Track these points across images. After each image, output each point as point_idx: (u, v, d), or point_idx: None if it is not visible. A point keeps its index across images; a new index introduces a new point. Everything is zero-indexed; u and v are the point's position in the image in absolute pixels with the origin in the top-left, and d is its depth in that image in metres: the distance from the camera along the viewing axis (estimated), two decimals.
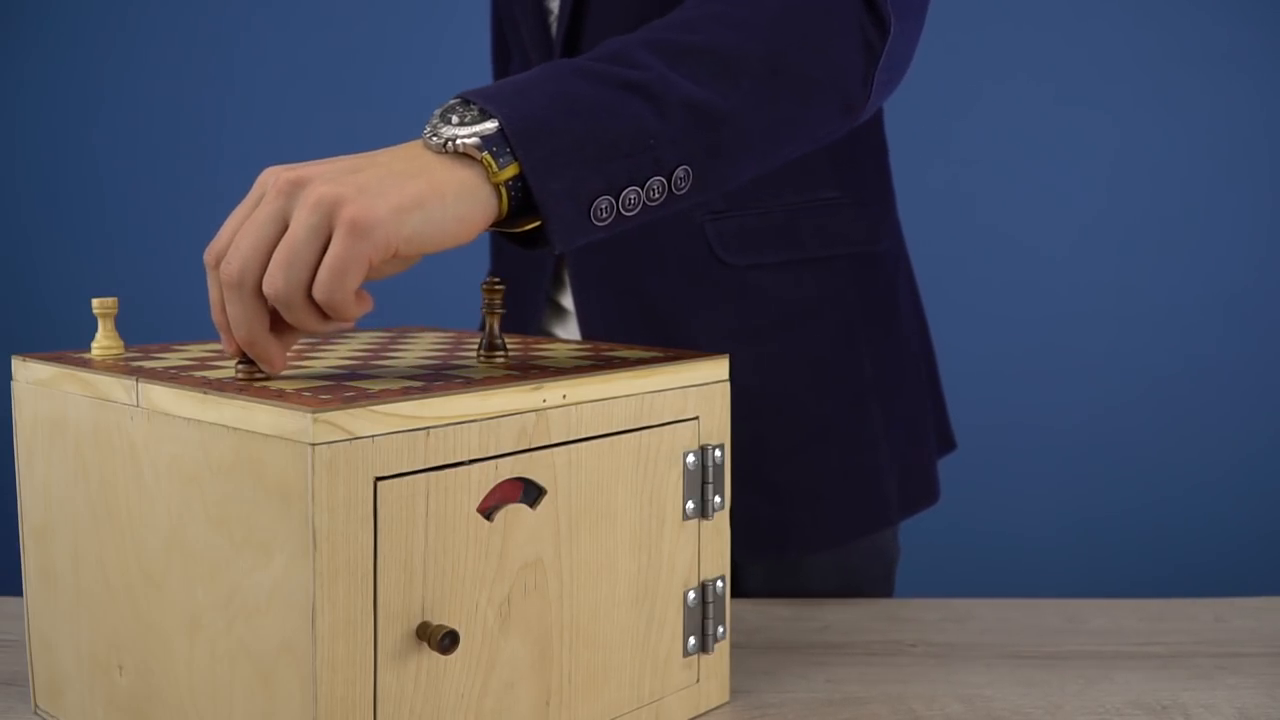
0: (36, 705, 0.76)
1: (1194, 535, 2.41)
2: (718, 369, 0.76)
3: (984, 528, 2.41)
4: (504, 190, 0.62)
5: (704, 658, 0.77)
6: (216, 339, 0.86)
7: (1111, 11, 2.37)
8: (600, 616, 0.70)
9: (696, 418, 0.75)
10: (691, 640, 0.76)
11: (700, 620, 0.76)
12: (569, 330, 1.05)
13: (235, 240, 0.60)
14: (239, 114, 2.45)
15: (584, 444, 0.68)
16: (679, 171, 0.67)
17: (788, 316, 0.98)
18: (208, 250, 0.61)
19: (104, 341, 0.74)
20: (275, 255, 0.58)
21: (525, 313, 1.05)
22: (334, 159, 0.61)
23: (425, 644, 0.61)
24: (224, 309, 0.61)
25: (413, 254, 0.60)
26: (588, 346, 0.83)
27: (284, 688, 0.58)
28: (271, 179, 0.60)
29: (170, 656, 0.65)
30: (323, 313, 0.60)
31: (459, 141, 0.61)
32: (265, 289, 0.59)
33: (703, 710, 0.77)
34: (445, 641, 0.60)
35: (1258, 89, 2.37)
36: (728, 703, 0.79)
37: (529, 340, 0.87)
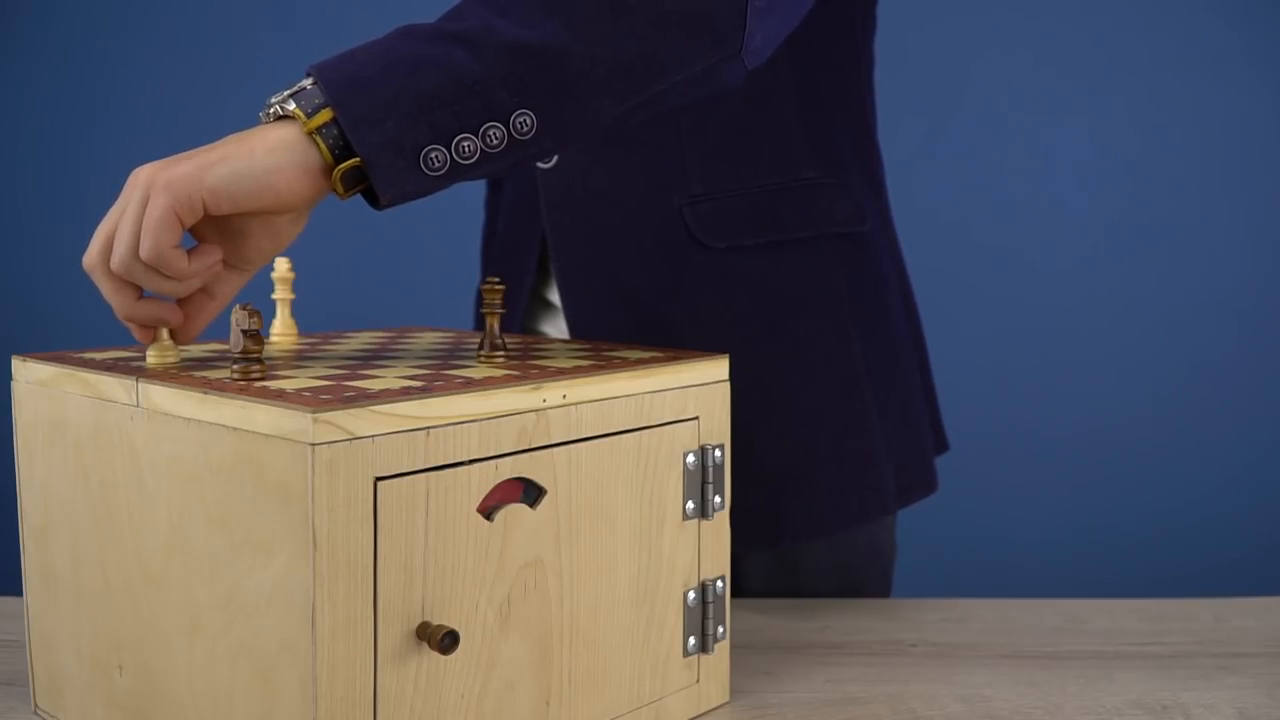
0: (36, 705, 0.76)
1: (1194, 536, 2.41)
2: (718, 369, 0.76)
3: (985, 529, 2.41)
4: (319, 139, 0.65)
5: (704, 658, 0.77)
6: (216, 339, 0.86)
7: (1120, 14, 2.37)
8: (600, 616, 0.70)
9: (696, 418, 0.75)
10: (691, 640, 0.76)
11: (700, 620, 0.76)
12: (557, 326, 1.05)
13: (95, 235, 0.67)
14: (238, 115, 2.45)
15: (584, 444, 0.68)
16: (520, 116, 0.68)
17: (772, 300, 0.97)
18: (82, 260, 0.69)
19: (158, 350, 0.70)
20: (112, 237, 0.66)
21: (512, 309, 1.05)
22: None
23: (425, 644, 0.61)
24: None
25: (227, 206, 0.65)
26: (588, 346, 0.83)
27: (284, 688, 0.58)
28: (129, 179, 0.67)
29: (170, 656, 0.65)
30: (160, 272, 0.66)
31: (274, 105, 0.67)
32: (110, 266, 0.66)
33: (703, 710, 0.77)
34: (445, 641, 0.60)
35: (1266, 94, 2.37)
36: (728, 703, 0.79)
37: (529, 340, 0.87)
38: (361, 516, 0.58)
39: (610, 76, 0.70)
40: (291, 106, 0.66)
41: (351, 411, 0.57)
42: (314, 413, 0.56)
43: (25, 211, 2.49)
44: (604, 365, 0.72)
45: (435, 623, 0.61)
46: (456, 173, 0.68)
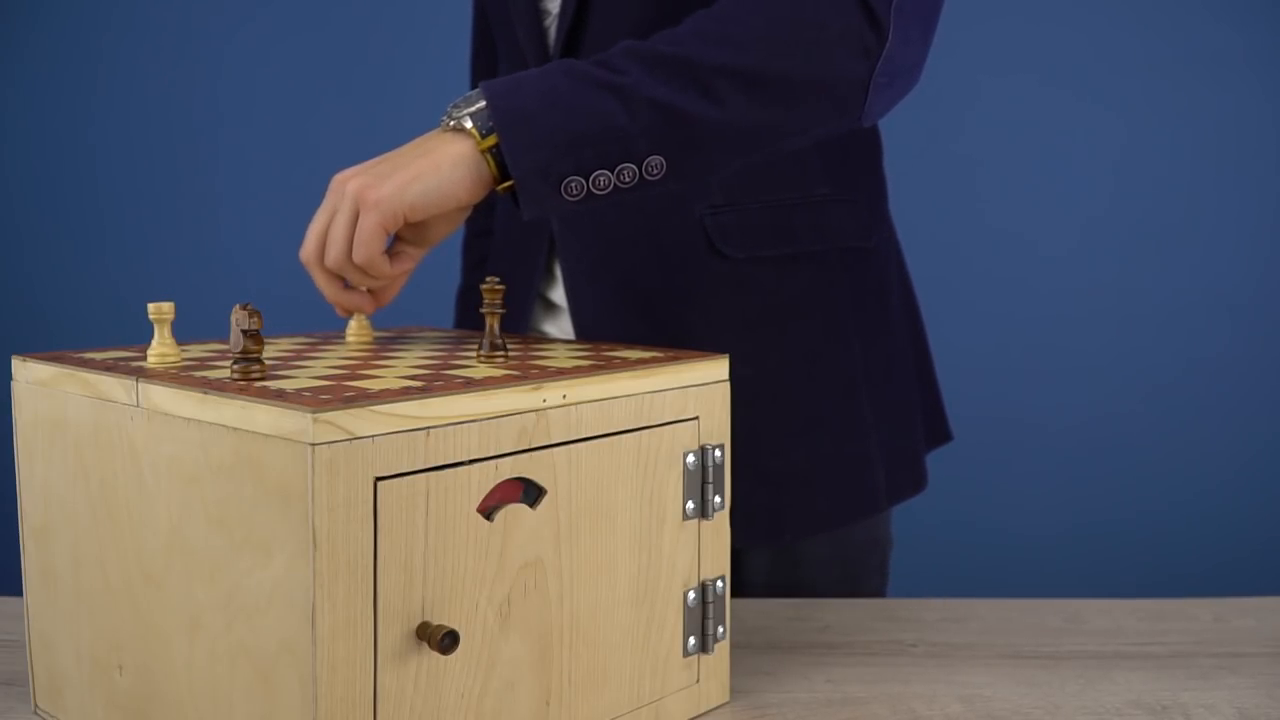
0: (36, 705, 0.76)
1: (1194, 535, 2.41)
2: (718, 369, 0.76)
3: (984, 528, 2.41)
4: (489, 157, 0.78)
5: (704, 658, 0.77)
6: (216, 339, 0.87)
7: (1117, 11, 2.37)
8: (600, 616, 0.70)
9: (696, 418, 0.75)
10: (691, 640, 0.76)
11: (700, 620, 0.76)
12: (560, 325, 1.06)
13: (306, 234, 0.81)
14: (236, 114, 2.45)
15: (584, 444, 0.68)
16: (651, 159, 0.79)
17: (781, 309, 1.00)
18: (299, 252, 0.82)
19: (160, 349, 0.71)
20: (326, 239, 0.80)
21: (515, 308, 1.06)
22: (376, 158, 0.80)
23: (425, 644, 0.61)
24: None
25: (421, 216, 0.78)
26: (588, 347, 0.83)
27: (284, 688, 0.58)
28: (332, 182, 0.80)
29: (170, 656, 0.65)
30: (368, 273, 0.80)
31: (456, 119, 0.79)
32: (326, 264, 0.80)
33: (703, 710, 0.77)
34: (445, 641, 0.60)
35: (1263, 91, 2.37)
36: (728, 703, 0.79)
37: (529, 340, 0.87)
38: (361, 516, 0.58)
39: (739, 139, 0.82)
40: (469, 125, 0.78)
41: (351, 411, 0.57)
42: (314, 413, 0.56)
43: (25, 212, 2.49)
44: (604, 365, 0.72)
45: (435, 623, 0.61)
46: (590, 200, 0.80)
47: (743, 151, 0.83)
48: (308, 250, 0.81)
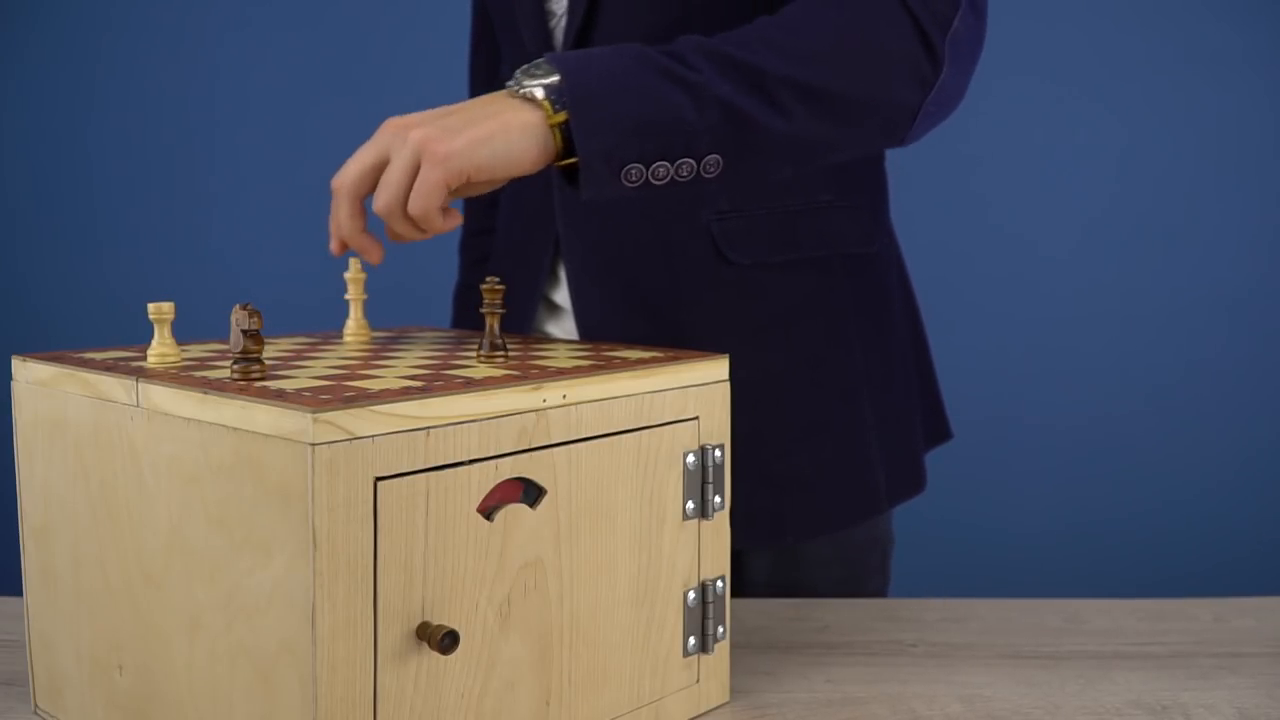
0: (36, 705, 0.76)
1: (1194, 535, 2.41)
2: (718, 369, 0.76)
3: (985, 527, 2.41)
4: (558, 132, 0.78)
5: (704, 658, 0.77)
6: (216, 339, 0.87)
7: (1119, 11, 2.37)
8: (600, 616, 0.70)
9: (696, 418, 0.75)
10: (691, 640, 0.76)
11: (700, 620, 0.76)
12: (563, 327, 1.06)
13: (346, 164, 0.79)
14: (236, 115, 2.45)
15: (584, 444, 0.68)
16: (710, 158, 0.80)
17: (785, 314, 1.01)
18: (333, 179, 0.80)
19: (160, 349, 0.71)
20: (381, 181, 0.77)
21: (519, 310, 1.06)
22: (436, 109, 0.78)
23: (425, 644, 0.61)
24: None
25: (485, 178, 0.77)
26: (588, 347, 0.83)
27: (284, 688, 0.58)
28: (386, 124, 0.78)
29: (170, 656, 0.65)
30: (417, 225, 0.78)
31: (527, 88, 0.78)
32: (375, 206, 0.77)
33: (703, 710, 0.77)
34: (445, 641, 0.60)
35: (1264, 91, 2.37)
36: (728, 703, 0.79)
37: (529, 340, 0.87)
38: (361, 516, 0.58)
39: (795, 148, 0.83)
40: (540, 96, 0.77)
41: (351, 411, 0.57)
42: (314, 413, 0.56)
43: (25, 212, 2.49)
44: (604, 365, 0.72)
45: (435, 623, 0.61)
46: (646, 188, 0.80)
47: (794, 162, 0.84)
48: (346, 180, 0.79)
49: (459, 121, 0.77)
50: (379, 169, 0.78)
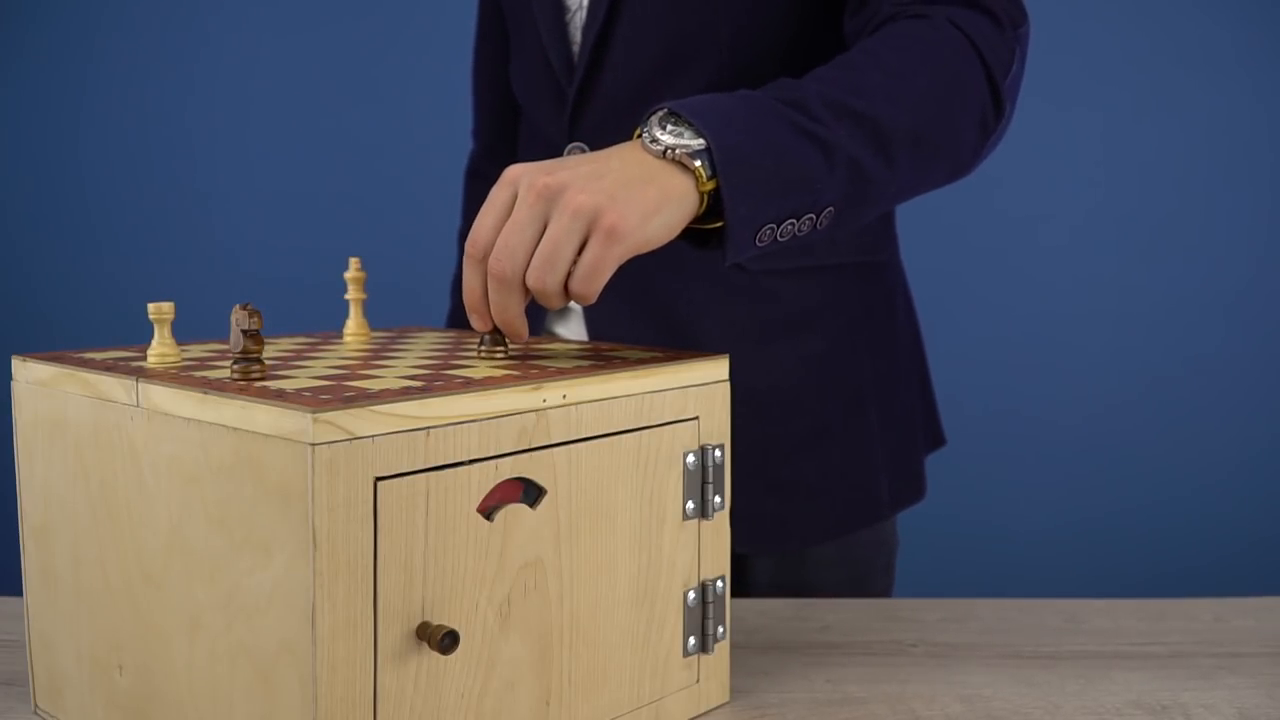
0: (36, 705, 0.76)
1: (1194, 535, 2.41)
2: (718, 369, 0.76)
3: (984, 527, 2.41)
4: (705, 199, 0.72)
5: (704, 658, 0.77)
6: (216, 339, 0.86)
7: (1111, 10, 2.37)
8: (600, 616, 0.70)
9: (696, 418, 0.75)
10: (691, 640, 0.76)
11: (700, 620, 0.76)
12: (571, 329, 1.07)
13: (502, 239, 0.68)
14: (236, 114, 2.45)
15: (584, 444, 0.68)
16: (827, 211, 0.77)
17: (794, 321, 1.02)
18: (470, 242, 0.70)
19: (160, 349, 0.71)
20: (539, 255, 0.67)
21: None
22: (572, 162, 0.70)
23: (425, 644, 0.61)
24: (483, 295, 0.70)
25: (645, 251, 0.70)
26: (588, 346, 0.83)
27: (284, 688, 0.58)
28: (525, 183, 0.69)
29: (170, 656, 0.65)
30: (550, 302, 0.70)
31: (678, 152, 0.71)
32: (530, 283, 0.68)
33: (703, 710, 0.77)
34: (445, 641, 0.60)
35: (1256, 88, 2.37)
36: (728, 703, 0.79)
37: (530, 340, 0.87)
38: (361, 516, 0.58)
39: (892, 196, 0.81)
40: (697, 164, 0.71)
41: (351, 411, 0.57)
42: (314, 413, 0.56)
43: (25, 212, 2.49)
44: (604, 365, 0.72)
45: (435, 623, 0.61)
46: (770, 247, 0.76)
47: (883, 207, 0.82)
48: (493, 258, 0.68)
49: (619, 187, 0.69)
50: (538, 238, 0.68)
